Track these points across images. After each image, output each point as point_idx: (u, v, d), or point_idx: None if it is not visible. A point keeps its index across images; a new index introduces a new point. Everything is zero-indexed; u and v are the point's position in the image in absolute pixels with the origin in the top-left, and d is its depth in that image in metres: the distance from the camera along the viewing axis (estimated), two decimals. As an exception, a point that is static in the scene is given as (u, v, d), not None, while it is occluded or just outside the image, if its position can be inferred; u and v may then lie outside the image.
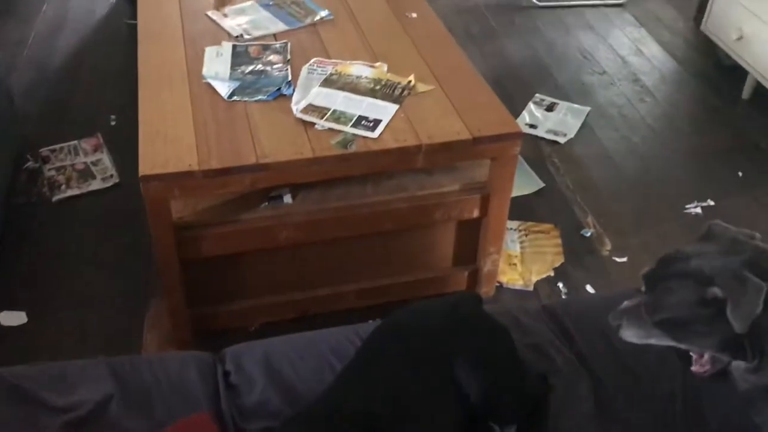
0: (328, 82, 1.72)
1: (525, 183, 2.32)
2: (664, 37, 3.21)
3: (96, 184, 2.21)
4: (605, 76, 2.91)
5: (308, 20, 1.99)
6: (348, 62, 1.80)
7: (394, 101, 1.67)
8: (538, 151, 2.48)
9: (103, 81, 2.76)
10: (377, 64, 1.81)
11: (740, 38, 2.72)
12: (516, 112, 2.65)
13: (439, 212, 1.71)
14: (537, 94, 2.75)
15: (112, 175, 2.23)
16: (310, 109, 1.64)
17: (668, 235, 2.14)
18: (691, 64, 3.02)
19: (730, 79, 2.86)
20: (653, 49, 3.11)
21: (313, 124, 1.59)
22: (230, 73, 1.75)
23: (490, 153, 1.63)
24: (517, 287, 1.96)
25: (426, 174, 1.74)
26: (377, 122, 1.60)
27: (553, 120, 2.62)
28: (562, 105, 2.70)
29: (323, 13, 2.01)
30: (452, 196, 1.71)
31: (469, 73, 1.81)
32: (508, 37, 3.16)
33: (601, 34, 3.22)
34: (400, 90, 1.71)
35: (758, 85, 2.69)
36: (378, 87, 1.72)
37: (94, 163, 2.28)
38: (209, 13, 2.00)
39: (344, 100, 1.67)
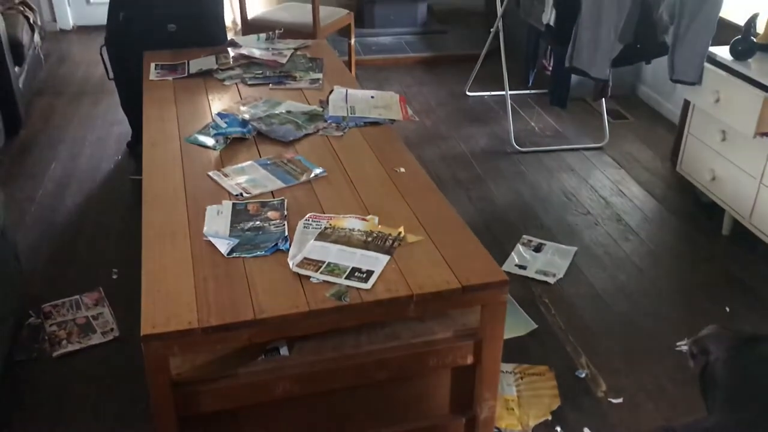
0: (322, 236, 1.81)
1: (517, 324, 2.36)
2: (643, 177, 3.37)
3: (96, 338, 2.24)
4: (589, 217, 3.03)
5: (304, 177, 2.11)
6: (341, 216, 1.91)
7: (386, 252, 1.76)
8: (529, 292, 2.54)
9: (106, 235, 2.87)
10: (369, 216, 1.91)
11: (714, 179, 2.87)
12: (505, 254, 2.74)
13: (432, 359, 1.74)
14: (524, 236, 2.86)
15: (112, 329, 2.28)
16: (306, 262, 1.71)
17: (661, 374, 2.17)
18: (671, 202, 3.16)
19: (709, 215, 2.99)
20: (633, 189, 3.26)
21: (309, 277, 1.66)
22: (230, 231, 1.84)
23: (479, 301, 1.69)
24: (515, 432, 1.96)
25: (418, 322, 1.79)
26: (370, 273, 1.68)
27: (541, 261, 2.71)
28: (550, 246, 2.80)
29: (317, 171, 2.14)
30: (445, 343, 1.75)
31: (455, 223, 1.91)
32: (494, 181, 3.32)
33: (582, 176, 3.38)
34: (390, 241, 1.80)
35: (736, 222, 2.80)
36: (370, 239, 1.81)
37: (95, 317, 2.33)
38: (210, 173, 2.13)
39: (338, 253, 1.75)
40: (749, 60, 2.70)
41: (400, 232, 1.84)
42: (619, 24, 2.74)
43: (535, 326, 2.36)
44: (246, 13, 3.99)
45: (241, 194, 2.02)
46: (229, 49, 3.13)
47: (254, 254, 1.74)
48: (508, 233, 2.89)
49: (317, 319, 1.58)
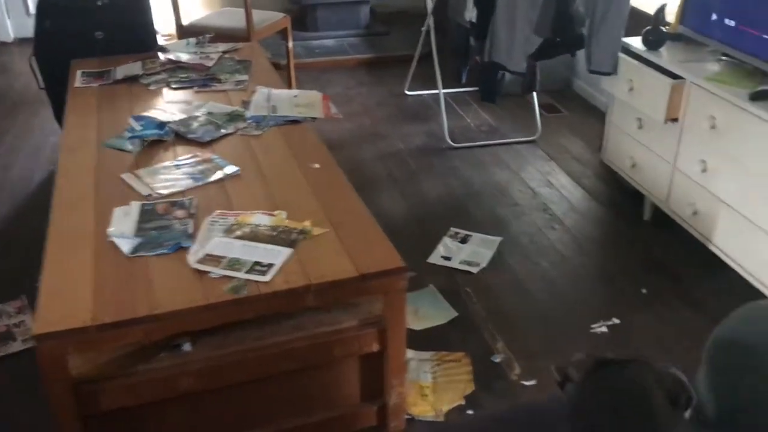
0: (227, 232, 1.84)
1: (438, 313, 2.41)
2: (572, 168, 3.45)
3: (16, 346, 2.24)
4: (517, 208, 3.10)
5: (216, 176, 2.14)
6: (249, 212, 1.94)
7: (289, 245, 1.79)
8: (453, 282, 2.59)
9: (34, 243, 2.86)
10: (277, 212, 1.94)
11: (634, 165, 2.95)
12: (432, 246, 2.79)
13: (338, 348, 1.77)
14: (452, 228, 2.91)
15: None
16: (208, 258, 1.74)
17: (572, 355, 2.22)
18: (598, 191, 3.24)
19: (633, 202, 3.06)
20: (562, 180, 3.34)
21: (209, 273, 1.69)
22: (136, 231, 1.86)
23: (378, 288, 1.73)
24: (428, 419, 2.00)
25: (325, 312, 1.82)
26: (270, 266, 1.71)
27: (466, 251, 2.76)
28: (476, 237, 2.85)
29: (231, 169, 2.17)
30: (350, 332, 1.78)
31: (362, 216, 1.95)
32: (427, 177, 3.37)
33: (513, 169, 3.45)
34: (295, 235, 1.84)
35: (656, 207, 2.88)
36: (276, 233, 1.84)
37: (17, 325, 2.33)
38: (123, 175, 2.15)
39: (241, 248, 1.78)
40: (660, 49, 2.79)
41: (305, 226, 1.88)
42: (533, 18, 2.81)
43: (456, 315, 2.41)
44: (180, 19, 4.00)
45: (151, 195, 2.04)
46: (159, 54, 3.14)
47: (156, 252, 1.76)
48: (437, 226, 2.94)
49: (214, 313, 1.61)
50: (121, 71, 2.98)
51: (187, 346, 1.71)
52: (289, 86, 4.37)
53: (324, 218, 1.92)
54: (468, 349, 2.25)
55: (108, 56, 3.18)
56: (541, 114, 3.89)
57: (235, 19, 4.02)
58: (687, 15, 2.73)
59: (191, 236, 1.82)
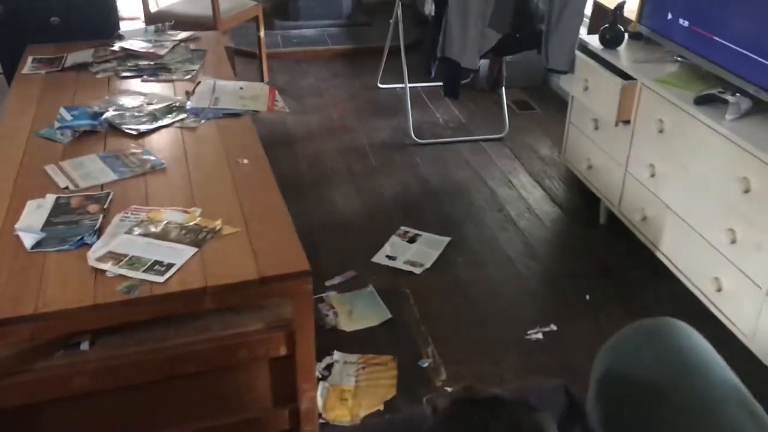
0: (134, 229, 1.79)
1: (372, 314, 2.36)
2: (536, 168, 3.38)
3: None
4: (472, 208, 3.04)
5: (140, 170, 2.09)
6: (162, 209, 1.89)
7: (195, 244, 1.74)
8: (393, 283, 2.54)
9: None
10: (191, 209, 1.89)
11: (590, 167, 2.88)
12: (380, 245, 2.74)
13: (243, 351, 1.73)
14: (402, 227, 2.86)
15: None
16: (108, 256, 1.69)
17: (503, 362, 2.17)
18: (557, 192, 3.17)
19: (590, 206, 3.00)
20: (523, 180, 3.27)
21: (105, 271, 1.64)
22: (44, 225, 1.82)
23: (280, 292, 1.68)
24: (344, 424, 1.96)
25: (233, 314, 1.78)
26: (170, 266, 1.66)
27: (412, 251, 2.70)
28: (425, 236, 2.80)
29: (156, 163, 2.12)
30: (256, 335, 1.74)
31: (279, 216, 1.89)
32: (386, 174, 3.31)
33: (475, 167, 3.39)
34: (204, 233, 1.79)
35: (611, 211, 2.82)
36: (184, 232, 1.79)
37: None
38: (47, 167, 2.10)
39: (145, 246, 1.73)
40: (619, 48, 2.71)
41: (216, 225, 1.83)
42: (486, 13, 2.74)
43: (390, 316, 2.36)
44: (148, 6, 3.95)
45: (68, 187, 2.00)
46: (117, 42, 3.10)
47: (59, 248, 1.72)
48: (387, 225, 2.88)
49: (105, 313, 1.56)
50: (72, 58, 2.94)
51: (85, 345, 1.67)
52: (261, 77, 4.33)
53: (239, 216, 1.87)
54: (397, 352, 2.21)
55: (63, 42, 3.14)
56: (512, 111, 3.82)
57: (204, 6, 3.96)
58: (645, 13, 2.66)
59: (96, 232, 1.78)
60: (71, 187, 2.00)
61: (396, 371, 2.13)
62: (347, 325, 2.31)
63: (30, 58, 2.98)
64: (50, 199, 1.94)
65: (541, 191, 3.18)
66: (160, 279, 1.62)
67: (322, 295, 2.44)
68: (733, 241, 2.06)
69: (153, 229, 1.80)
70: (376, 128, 3.79)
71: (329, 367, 2.13)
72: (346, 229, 2.87)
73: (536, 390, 1.38)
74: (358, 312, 2.37)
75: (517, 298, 2.48)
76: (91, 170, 2.10)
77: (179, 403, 1.79)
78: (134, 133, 2.31)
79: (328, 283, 2.50)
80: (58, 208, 1.90)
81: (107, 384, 1.66)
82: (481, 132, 3.73)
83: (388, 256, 2.67)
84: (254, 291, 1.66)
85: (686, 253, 2.31)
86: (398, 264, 2.63)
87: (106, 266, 1.65)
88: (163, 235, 1.78)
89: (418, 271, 2.59)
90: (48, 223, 1.83)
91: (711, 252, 2.17)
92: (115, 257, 1.69)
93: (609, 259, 2.69)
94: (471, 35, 2.76)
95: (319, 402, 2.01)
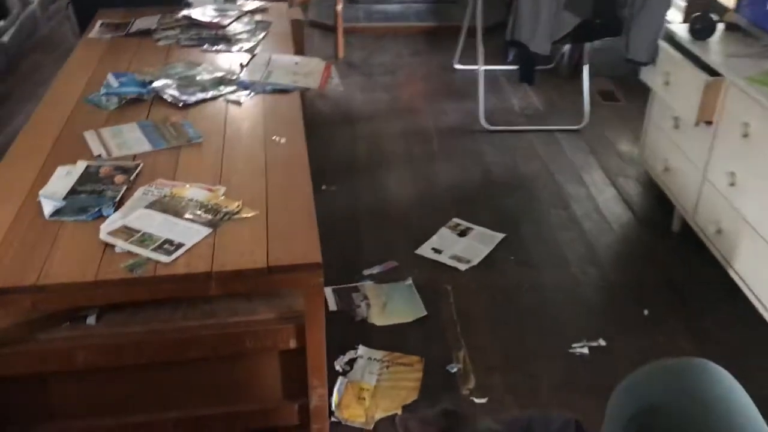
0: (154, 204, 1.74)
1: (407, 309, 2.24)
2: (611, 165, 3.14)
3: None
4: (534, 203, 2.84)
5: (175, 142, 2.04)
6: (187, 185, 1.83)
7: (210, 225, 1.67)
8: (435, 278, 2.40)
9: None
10: (216, 187, 1.82)
11: (666, 169, 2.63)
12: (428, 236, 2.60)
13: (250, 341, 1.65)
14: (454, 219, 2.70)
15: None
16: (122, 230, 1.65)
17: (539, 376, 2.00)
18: (631, 193, 2.92)
19: (664, 210, 2.74)
20: (595, 177, 3.04)
21: (114, 246, 1.60)
22: (68, 193, 1.79)
23: (289, 282, 1.58)
24: (356, 425, 1.85)
25: (245, 300, 1.70)
26: (179, 246, 1.59)
27: (461, 246, 2.55)
28: (477, 231, 2.63)
29: (193, 136, 2.06)
30: (264, 324, 1.65)
31: (302, 202, 1.79)
32: (447, 160, 3.16)
33: (545, 159, 3.17)
34: (222, 214, 1.71)
35: (686, 220, 2.56)
36: (203, 211, 1.72)
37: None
38: (86, 133, 2.09)
39: (161, 223, 1.67)
40: (709, 40, 2.43)
41: (237, 205, 1.75)
42: (562, -6, 2.52)
43: (425, 314, 2.22)
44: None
45: (101, 155, 1.97)
46: (183, 9, 3.07)
47: (76, 218, 1.69)
48: (440, 215, 2.74)
49: (104, 291, 1.51)
50: (138, 24, 2.94)
51: (91, 319, 1.63)
52: (336, 51, 4.24)
53: (262, 199, 1.78)
54: (426, 353, 2.07)
55: (135, 8, 3.15)
56: (596, 101, 3.56)
57: (282, -23, 3.89)
58: (743, 1, 2.36)
59: (115, 204, 1.74)
60: (104, 155, 1.97)
61: (421, 374, 2.00)
62: (379, 318, 2.20)
63: (99, 23, 3.01)
64: (80, 166, 1.91)
65: (613, 191, 2.93)
66: (167, 259, 1.55)
67: (358, 284, 2.34)
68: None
69: (173, 206, 1.74)
70: (445, 111, 3.63)
71: (351, 362, 2.03)
72: (394, 217, 2.75)
73: (542, 424, 1.23)
74: (392, 306, 2.25)
75: (567, 307, 2.29)
76: (127, 139, 2.06)
77: (183, 386, 1.74)
78: (179, 104, 2.27)
79: (365, 272, 2.39)
80: (86, 176, 1.87)
81: (111, 360, 1.62)
82: (557, 122, 3.49)
83: (434, 249, 2.53)
84: (261, 280, 1.57)
85: (763, 274, 2.05)
86: (443, 258, 2.48)
87: (117, 241, 1.60)
88: (181, 213, 1.72)
89: (463, 267, 2.44)
90: (72, 191, 1.80)
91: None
92: (128, 232, 1.64)
93: (677, 272, 2.45)
94: (543, 18, 2.55)
95: (335, 398, 1.91)
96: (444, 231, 2.63)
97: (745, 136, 2.10)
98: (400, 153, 3.21)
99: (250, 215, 1.72)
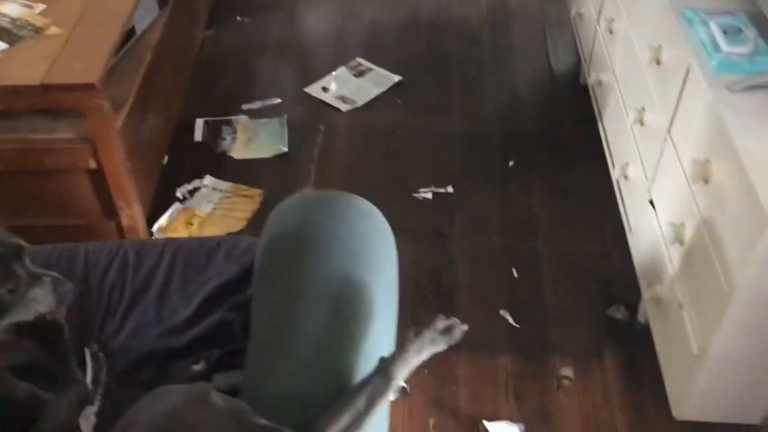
0: (-33, 19, 1.77)
1: (269, 146, 2.25)
2: (549, 14, 2.91)
3: None
4: (452, 48, 2.68)
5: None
6: (6, 2, 1.83)
7: (9, 41, 1.69)
8: (314, 117, 2.37)
9: None
10: (36, 4, 1.82)
11: (579, 15, 2.43)
12: (325, 75, 2.54)
13: (49, 158, 1.71)
14: (358, 58, 2.61)
15: None
16: (-75, 43, 1.69)
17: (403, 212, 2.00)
18: (557, 45, 2.72)
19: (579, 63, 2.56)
20: (527, 27, 2.83)
21: None
22: None
23: (68, 102, 1.62)
24: (174, 246, 1.93)
25: (50, 119, 1.74)
26: (-31, 60, 1.63)
27: (353, 86, 2.48)
28: (376, 72, 2.55)
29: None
30: (62, 143, 1.71)
31: (114, 26, 1.76)
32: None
33: (483, 3, 2.97)
34: (27, 31, 1.72)
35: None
36: (11, 27, 1.74)
37: None
38: None
39: (-37, 37, 1.70)
40: None
41: (44, 24, 1.75)
42: None
43: (285, 151, 2.22)
44: None
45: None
46: None
47: None
48: (346, 54, 2.64)
49: None
50: None
51: None
52: None
53: (75, 19, 1.77)
54: (271, 188, 2.10)
55: None
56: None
57: None
58: None
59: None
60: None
61: (258, 206, 2.04)
62: (238, 152, 2.22)
63: None
64: None
65: (541, 42, 2.73)
66: (-50, 71, 1.60)
67: (233, 117, 2.34)
68: (641, 123, 1.68)
69: (-16, 21, 1.76)
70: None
71: (194, 191, 2.09)
72: (299, 53, 2.68)
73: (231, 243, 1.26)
74: (257, 141, 2.26)
75: (432, 153, 2.23)
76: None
77: (5, 197, 1.83)
78: None
79: (244, 107, 2.39)
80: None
81: None
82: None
83: (323, 88, 2.48)
84: (38, 98, 1.60)
85: (617, 129, 1.94)
86: (328, 98, 2.44)
87: None
88: (-11, 28, 1.74)
89: (345, 108, 2.39)
90: None
91: (627, 133, 1.80)
92: (-71, 44, 1.68)
93: (561, 127, 2.32)
94: None
95: (164, 221, 1.99)
96: (342, 70, 2.56)
97: (624, -23, 1.89)
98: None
99: (53, 33, 1.72)
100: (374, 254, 1.09)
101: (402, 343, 0.94)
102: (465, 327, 0.98)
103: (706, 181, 1.30)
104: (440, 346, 0.96)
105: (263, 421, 0.80)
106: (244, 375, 0.97)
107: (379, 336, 0.99)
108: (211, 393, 0.83)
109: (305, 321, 0.95)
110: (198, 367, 1.12)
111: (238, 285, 1.23)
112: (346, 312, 0.98)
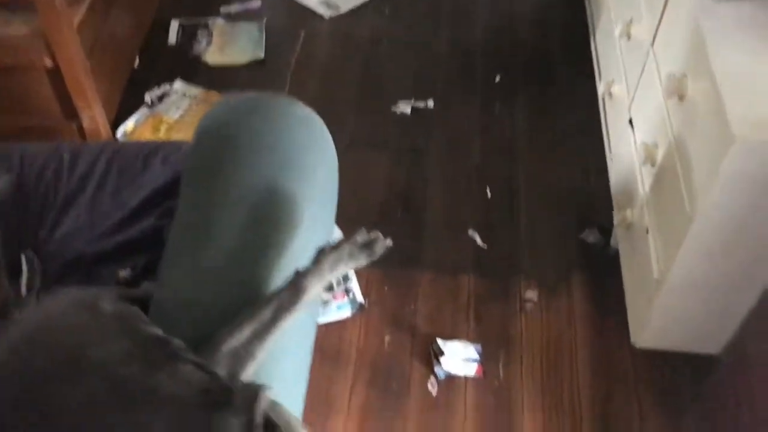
0: None
1: (245, 51, 2.15)
2: None
3: None
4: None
5: None
6: None
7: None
8: (295, 23, 2.26)
9: None
10: None
11: None
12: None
13: (4, 55, 1.64)
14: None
15: None
16: None
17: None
18: None
19: None
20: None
21: None
22: None
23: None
24: (140, 152, 1.88)
25: (9, 12, 1.66)
26: None
27: (340, -8, 2.36)
28: (365, -22, 2.41)
29: None
30: (16, 40, 1.63)
31: None
32: None
33: None
34: None
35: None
36: None
37: None
38: None
39: None
40: None
41: None
42: None
43: (262, 57, 2.13)
44: None
45: None
46: None
47: None
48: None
49: None
50: None
51: None
52: None
53: None
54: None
55: None
56: None
57: None
58: None
59: None
60: None
61: (228, 114, 1.96)
62: (213, 57, 2.13)
63: None
64: None
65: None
66: None
67: (209, 20, 2.24)
68: (628, 37, 1.56)
69: None
70: None
71: (163, 96, 2.01)
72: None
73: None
74: (233, 46, 2.16)
75: (416, 66, 2.12)
76: None
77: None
78: None
79: (222, 10, 2.27)
80: None
81: None
82: None
83: (308, -7, 2.36)
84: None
85: (605, 46, 1.82)
86: (311, 3, 2.31)
87: None
88: None
89: (328, 14, 2.27)
90: None
91: (615, 49, 1.69)
92: None
93: (554, 43, 2.19)
94: None
95: (130, 126, 1.92)
96: (331, -26, 2.43)
97: None
98: None
99: None
100: (306, 163, 1.03)
101: (317, 256, 0.89)
102: (389, 242, 0.92)
103: (681, 97, 1.21)
104: (360, 261, 0.91)
105: (153, 330, 0.76)
106: (156, 282, 0.93)
107: (301, 249, 0.94)
108: (103, 299, 0.78)
109: (219, 228, 0.90)
110: (124, 273, 1.08)
111: (174, 190, 1.17)
112: (266, 221, 0.92)
